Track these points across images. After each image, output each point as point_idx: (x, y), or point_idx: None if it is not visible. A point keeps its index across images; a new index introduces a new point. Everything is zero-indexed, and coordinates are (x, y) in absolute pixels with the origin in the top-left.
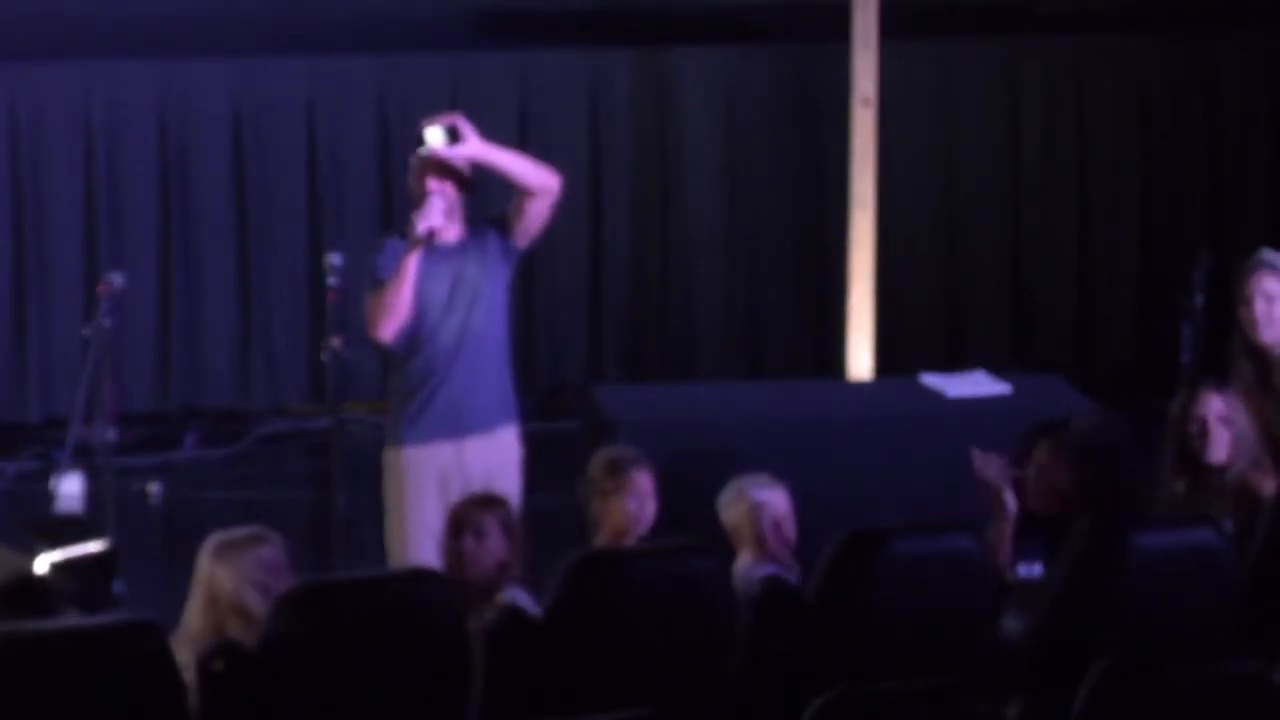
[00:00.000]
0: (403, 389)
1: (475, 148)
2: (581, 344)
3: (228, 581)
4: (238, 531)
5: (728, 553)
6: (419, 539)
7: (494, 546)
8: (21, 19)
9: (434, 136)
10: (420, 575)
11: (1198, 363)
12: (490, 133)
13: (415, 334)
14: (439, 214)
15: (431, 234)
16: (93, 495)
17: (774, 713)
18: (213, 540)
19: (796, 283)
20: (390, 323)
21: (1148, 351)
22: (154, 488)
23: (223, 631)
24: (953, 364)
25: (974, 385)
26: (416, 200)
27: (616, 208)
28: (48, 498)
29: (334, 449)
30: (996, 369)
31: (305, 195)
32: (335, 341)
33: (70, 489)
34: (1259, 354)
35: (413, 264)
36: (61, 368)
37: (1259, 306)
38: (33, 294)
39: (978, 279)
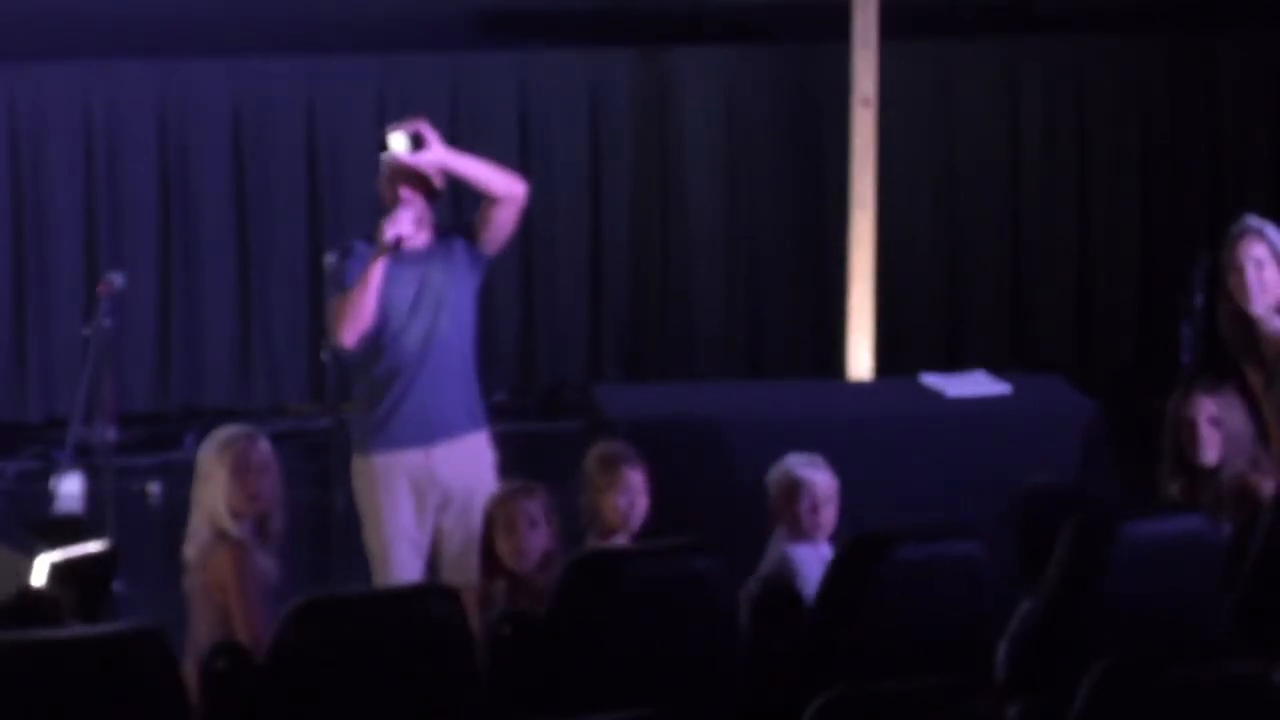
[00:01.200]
0: (368, 395)
1: (438, 154)
2: (581, 344)
3: (208, 487)
4: (232, 430)
5: (728, 552)
6: (396, 546)
7: (542, 536)
8: (21, 19)
9: (397, 142)
10: (429, 591)
11: (1198, 363)
12: (490, 133)
13: (379, 339)
14: (408, 222)
15: (399, 242)
16: (93, 495)
17: (774, 713)
18: (211, 440)
19: (796, 283)
20: (353, 328)
21: (1148, 351)
22: (154, 488)
23: (202, 528)
24: (953, 364)
25: (974, 385)
26: (387, 205)
27: (616, 208)
28: (48, 498)
29: (334, 449)
30: (996, 369)
31: (305, 195)
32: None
33: (70, 489)
34: (1247, 321)
35: (378, 271)
36: (61, 368)
37: (1250, 274)
38: (33, 294)
39: (978, 279)
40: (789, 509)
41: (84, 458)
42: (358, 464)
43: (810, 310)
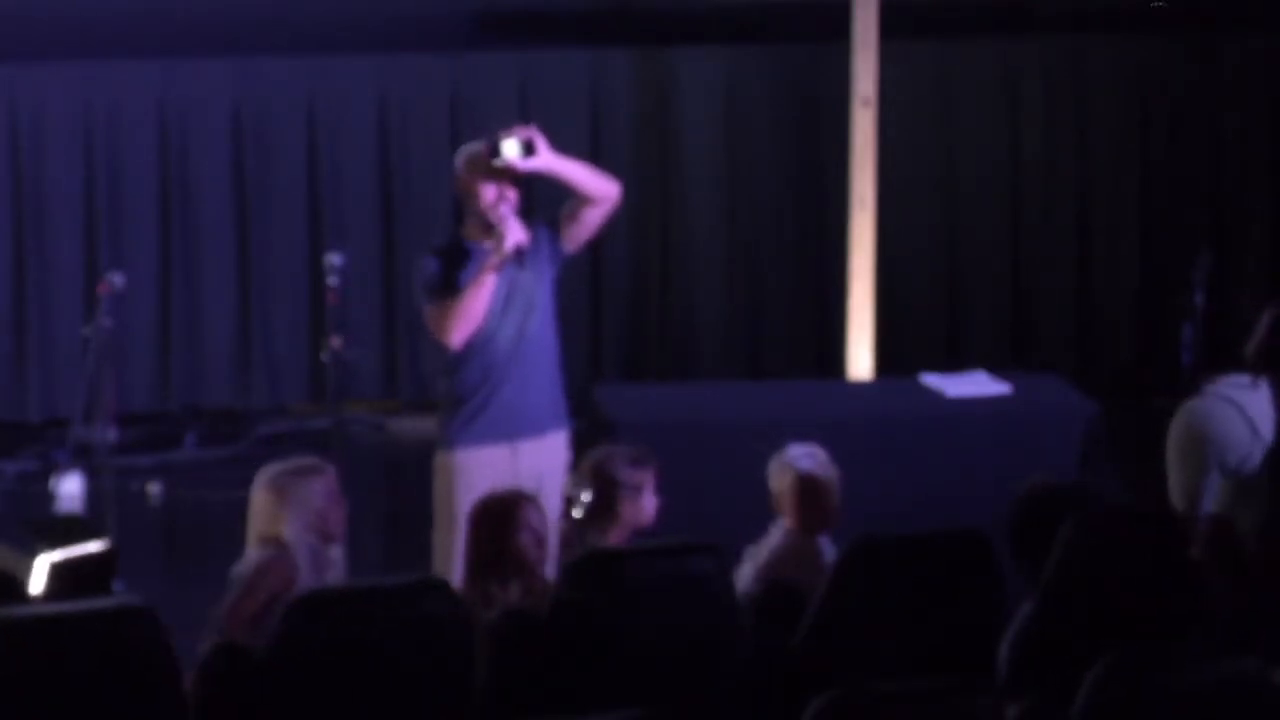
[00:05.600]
0: (457, 393)
1: (547, 160)
2: (581, 344)
3: (294, 509)
4: (307, 459)
5: (728, 552)
6: None
7: (532, 540)
8: (21, 19)
9: (510, 149)
10: (427, 584)
11: (1198, 363)
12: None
13: (472, 339)
14: (520, 229)
15: (519, 250)
16: (93, 495)
17: (774, 713)
18: (290, 467)
19: (796, 283)
20: (464, 330)
21: (1148, 351)
22: (154, 488)
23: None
24: (953, 364)
25: (974, 385)
26: (465, 199)
27: (616, 208)
28: (48, 498)
29: (334, 449)
30: (996, 369)
31: (305, 195)
32: (335, 341)
33: (70, 489)
34: None
35: (492, 275)
36: (61, 368)
37: None
38: (33, 294)
39: (978, 279)
40: (791, 501)
41: (84, 458)
42: (441, 459)
43: (810, 310)
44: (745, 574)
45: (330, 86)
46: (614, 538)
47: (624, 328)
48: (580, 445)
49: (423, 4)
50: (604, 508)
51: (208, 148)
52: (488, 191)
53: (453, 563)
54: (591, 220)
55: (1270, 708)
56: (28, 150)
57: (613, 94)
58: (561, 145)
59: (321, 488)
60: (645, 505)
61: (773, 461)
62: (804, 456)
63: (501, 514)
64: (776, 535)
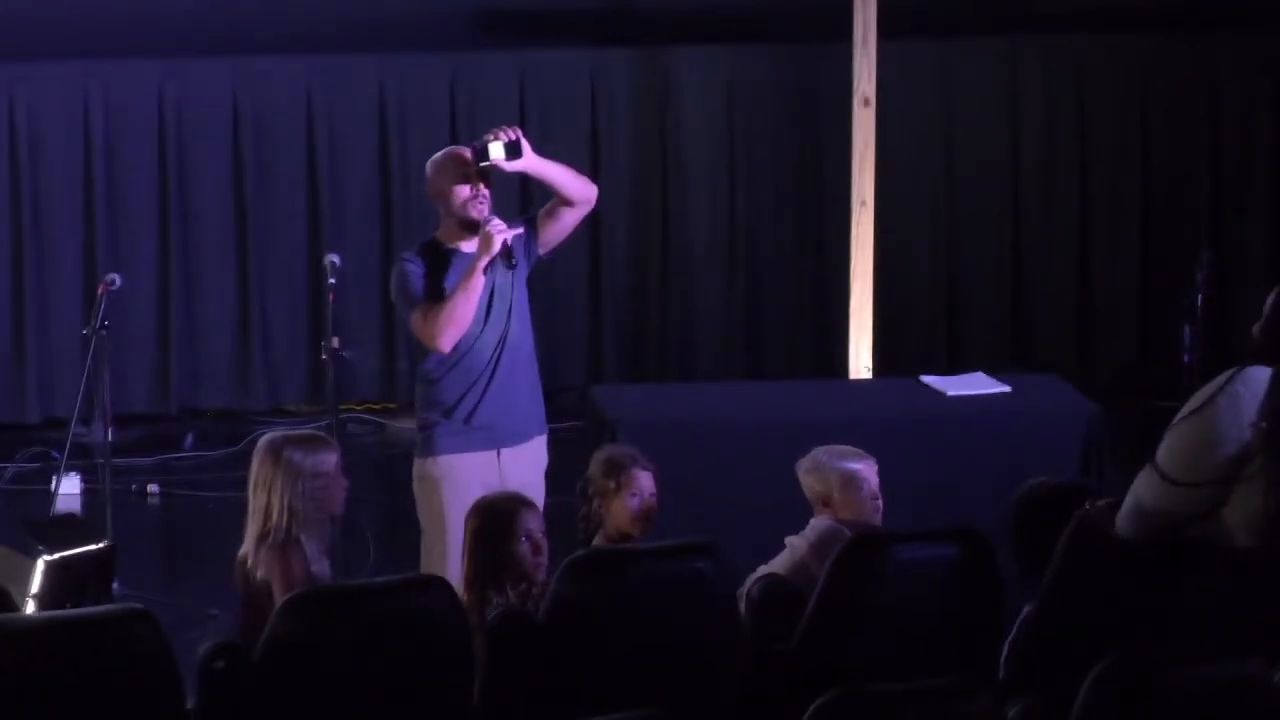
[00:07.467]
0: (441, 401)
1: (530, 162)
2: (581, 345)
3: (306, 481)
4: (307, 431)
5: (728, 552)
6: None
7: (531, 547)
8: (21, 19)
9: (496, 151)
10: (425, 582)
11: (1198, 363)
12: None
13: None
14: (504, 226)
15: (507, 248)
16: (91, 495)
17: (774, 713)
18: (299, 440)
19: (796, 283)
20: (454, 333)
21: (1148, 351)
22: (153, 488)
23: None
24: (953, 364)
25: (974, 385)
26: (439, 203)
27: (616, 208)
28: (47, 498)
29: None
30: (996, 369)
31: (305, 195)
32: (334, 341)
33: (69, 489)
34: None
35: (481, 276)
36: (61, 368)
37: None
38: (32, 294)
39: (978, 279)
40: (850, 499)
41: (82, 458)
42: (423, 468)
43: (810, 310)
44: (782, 561)
45: (330, 86)
46: (600, 539)
47: (624, 328)
48: (580, 445)
49: (423, 4)
50: (588, 510)
51: (208, 148)
52: (462, 190)
53: (447, 569)
54: (569, 222)
55: (1270, 708)
56: (27, 150)
57: (613, 94)
58: (562, 145)
59: (326, 461)
60: (629, 508)
61: (807, 462)
62: (851, 457)
63: (499, 521)
64: (830, 536)
